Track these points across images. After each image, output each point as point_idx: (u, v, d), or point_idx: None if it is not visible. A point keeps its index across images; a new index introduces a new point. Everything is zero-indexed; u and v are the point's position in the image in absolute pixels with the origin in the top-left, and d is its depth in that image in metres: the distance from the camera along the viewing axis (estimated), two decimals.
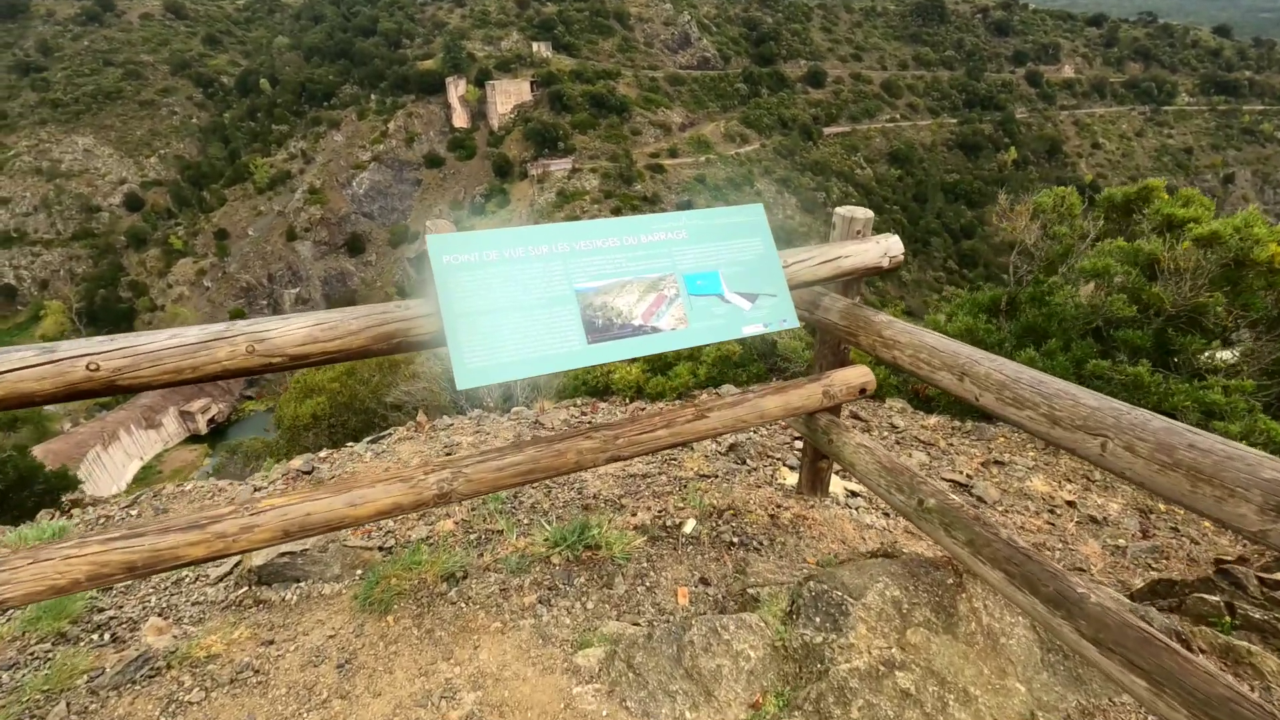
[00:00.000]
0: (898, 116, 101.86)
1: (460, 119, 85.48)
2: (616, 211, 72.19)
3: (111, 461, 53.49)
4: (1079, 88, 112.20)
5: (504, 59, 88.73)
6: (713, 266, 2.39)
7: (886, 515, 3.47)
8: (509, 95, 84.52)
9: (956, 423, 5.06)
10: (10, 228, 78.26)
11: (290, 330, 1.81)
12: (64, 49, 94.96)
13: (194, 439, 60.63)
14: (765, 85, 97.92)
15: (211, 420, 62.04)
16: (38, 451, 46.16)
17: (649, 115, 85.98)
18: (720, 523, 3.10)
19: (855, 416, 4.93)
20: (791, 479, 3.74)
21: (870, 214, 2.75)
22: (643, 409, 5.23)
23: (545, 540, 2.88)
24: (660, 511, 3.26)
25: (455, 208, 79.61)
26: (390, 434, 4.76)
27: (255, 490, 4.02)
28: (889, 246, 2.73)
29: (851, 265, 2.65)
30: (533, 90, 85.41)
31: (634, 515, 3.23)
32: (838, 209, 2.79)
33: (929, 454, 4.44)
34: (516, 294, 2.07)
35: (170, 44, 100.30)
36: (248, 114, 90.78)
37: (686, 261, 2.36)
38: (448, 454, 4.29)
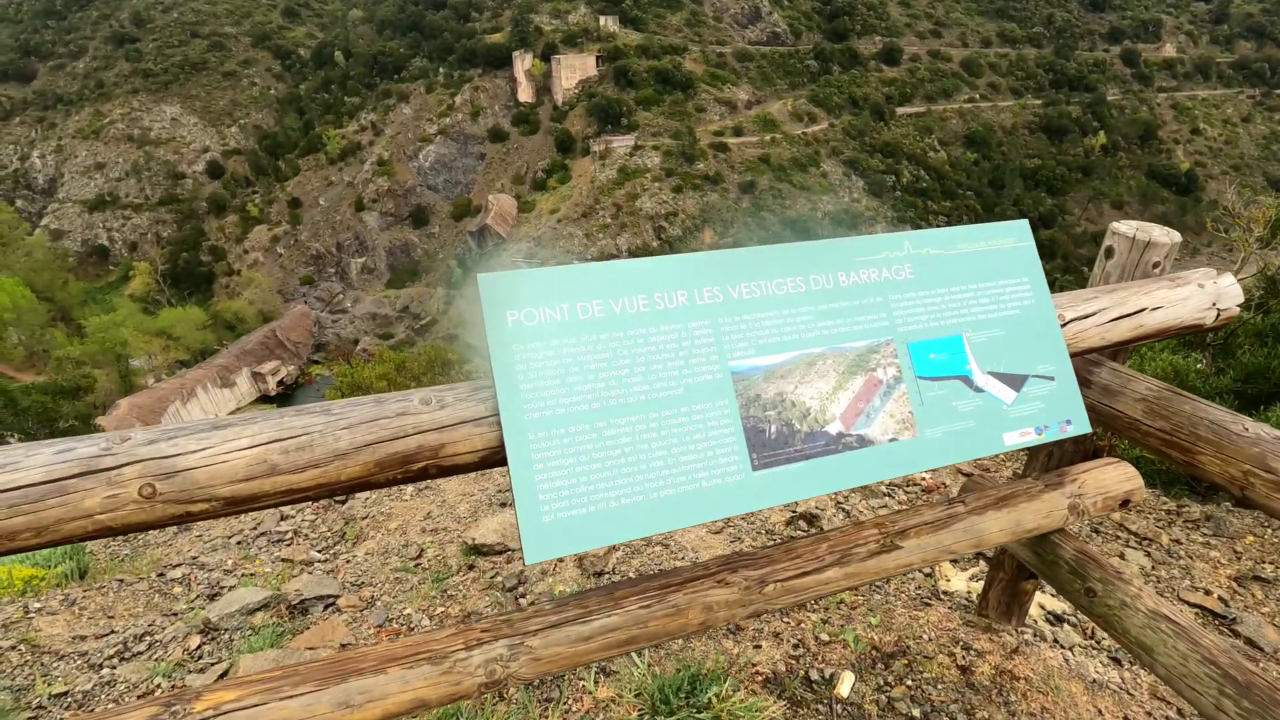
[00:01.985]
0: (977, 97, 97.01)
1: (525, 93, 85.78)
2: (677, 190, 71.46)
3: (189, 417, 56.67)
4: (1180, 68, 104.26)
5: (570, 33, 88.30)
6: (953, 328, 1.61)
7: (1117, 661, 2.48)
8: (574, 70, 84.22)
9: (1170, 502, 3.78)
10: (105, 191, 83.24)
11: (224, 455, 1.14)
12: (155, 20, 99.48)
13: (264, 399, 63.61)
14: (837, 62, 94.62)
15: (281, 382, 64.89)
16: (124, 404, 49.33)
17: (714, 92, 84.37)
18: (889, 677, 2.25)
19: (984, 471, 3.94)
20: (958, 580, 2.86)
21: (1175, 237, 1.86)
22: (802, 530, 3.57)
23: (635, 694, 2.08)
24: (796, 645, 2.42)
25: (517, 183, 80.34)
26: None
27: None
28: (1219, 292, 1.82)
29: (1160, 324, 1.77)
30: (598, 65, 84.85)
31: (757, 648, 2.41)
32: (1118, 225, 1.88)
33: (1148, 554, 3.29)
34: (631, 381, 1.36)
35: (252, 16, 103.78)
36: (322, 86, 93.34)
37: (913, 319, 1.58)
38: (501, 503, 3.71)
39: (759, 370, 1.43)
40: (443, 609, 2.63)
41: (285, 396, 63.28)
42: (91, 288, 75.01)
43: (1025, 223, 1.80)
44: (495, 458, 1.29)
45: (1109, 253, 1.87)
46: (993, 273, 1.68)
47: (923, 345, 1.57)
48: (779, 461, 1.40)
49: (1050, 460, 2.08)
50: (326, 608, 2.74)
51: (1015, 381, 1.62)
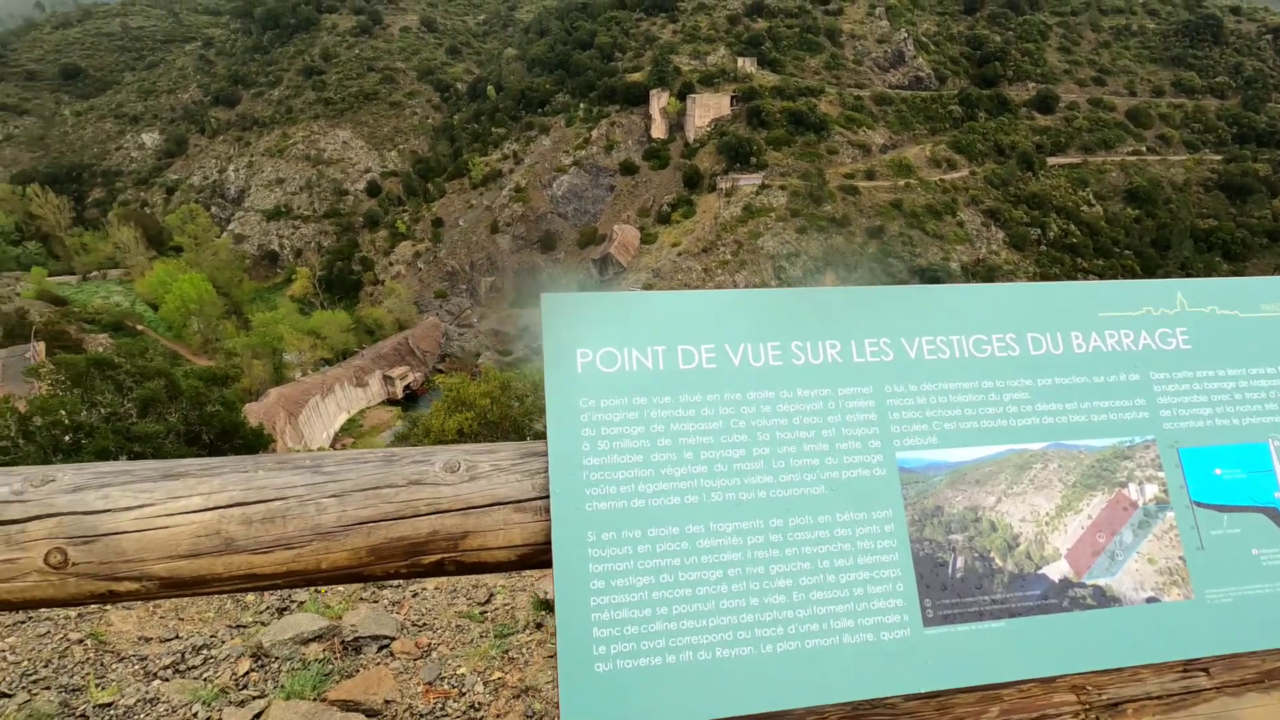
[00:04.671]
0: (1143, 149, 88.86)
1: (658, 130, 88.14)
2: (801, 231, 70.34)
3: (325, 410, 61.60)
4: None
5: (708, 73, 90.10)
6: (1254, 430, 1.09)
7: None
8: (708, 109, 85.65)
9: None
10: (281, 203, 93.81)
11: (165, 517, 0.86)
12: (340, 56, 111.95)
13: (391, 401, 68.09)
14: (983, 108, 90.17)
15: (407, 387, 69.28)
16: (274, 393, 54.26)
17: (848, 134, 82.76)
18: None
19: None
20: None
21: None
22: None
23: None
24: None
25: (642, 215, 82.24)
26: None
27: None
28: None
29: None
30: (732, 104, 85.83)
31: None
32: None
33: None
34: (747, 469, 0.93)
35: (420, 53, 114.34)
36: (473, 117, 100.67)
37: (1188, 411, 1.07)
38: None
39: (942, 469, 0.95)
40: (500, 674, 2.35)
41: (410, 400, 67.47)
42: (260, 287, 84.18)
43: None
44: (539, 558, 0.89)
45: None
46: None
47: (1204, 453, 1.04)
48: (967, 616, 0.92)
49: None
50: (381, 649, 2.56)
51: None
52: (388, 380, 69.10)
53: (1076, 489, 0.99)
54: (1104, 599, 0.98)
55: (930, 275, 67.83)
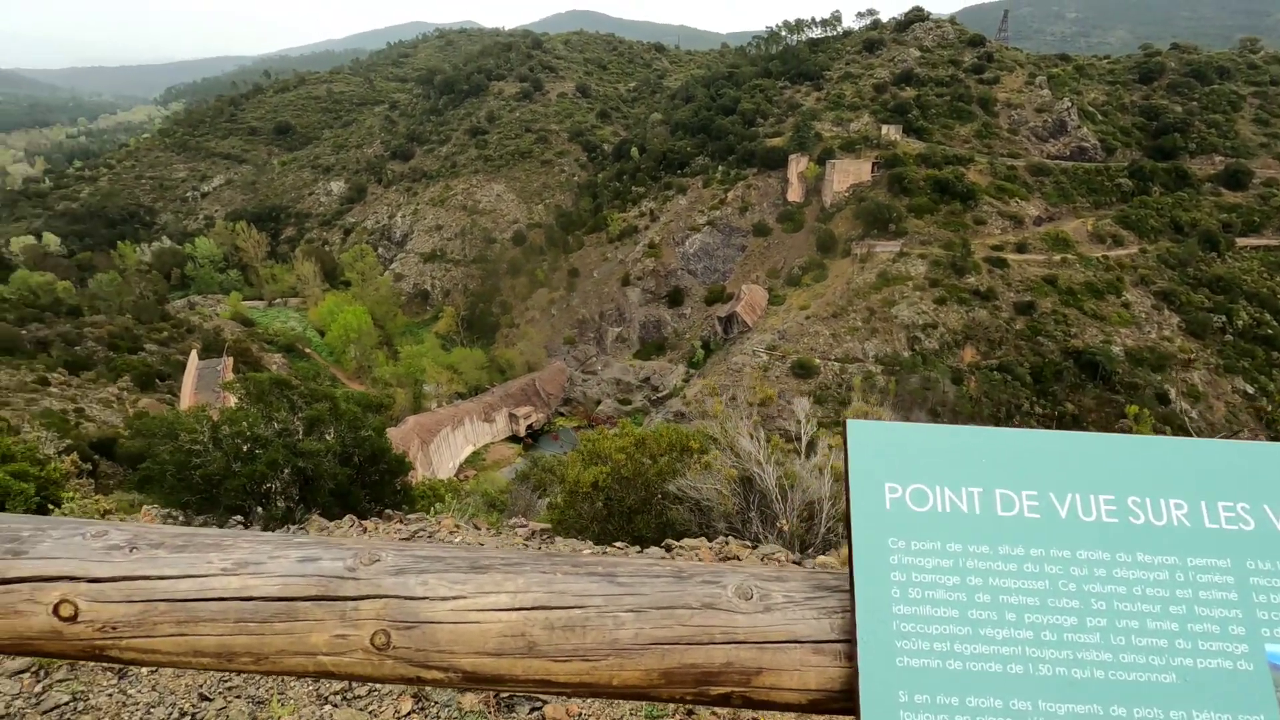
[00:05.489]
0: None
1: (795, 193, 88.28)
2: (940, 302, 66.88)
3: (454, 441, 65.25)
4: None
5: (849, 140, 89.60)
6: None
7: None
8: (847, 174, 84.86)
9: None
10: (437, 247, 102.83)
11: (477, 612, 0.93)
12: (502, 118, 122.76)
13: (514, 439, 71.05)
14: (1158, 182, 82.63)
15: (529, 426, 72.09)
16: (411, 420, 58.14)
17: (998, 205, 78.59)
18: None
19: None
20: None
21: None
22: None
23: None
24: None
25: (772, 276, 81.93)
26: (672, 557, 3.76)
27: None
28: None
29: None
30: (873, 171, 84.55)
31: None
32: None
33: None
34: (1080, 641, 0.79)
35: (573, 116, 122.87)
36: (616, 175, 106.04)
37: None
38: None
39: None
40: None
41: (532, 439, 70.09)
42: (411, 322, 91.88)
43: None
44: (833, 705, 0.82)
45: None
46: None
47: None
48: None
49: None
50: (533, 710, 2.56)
51: None
52: (513, 418, 72.32)
53: None
54: None
55: (1087, 358, 61.88)
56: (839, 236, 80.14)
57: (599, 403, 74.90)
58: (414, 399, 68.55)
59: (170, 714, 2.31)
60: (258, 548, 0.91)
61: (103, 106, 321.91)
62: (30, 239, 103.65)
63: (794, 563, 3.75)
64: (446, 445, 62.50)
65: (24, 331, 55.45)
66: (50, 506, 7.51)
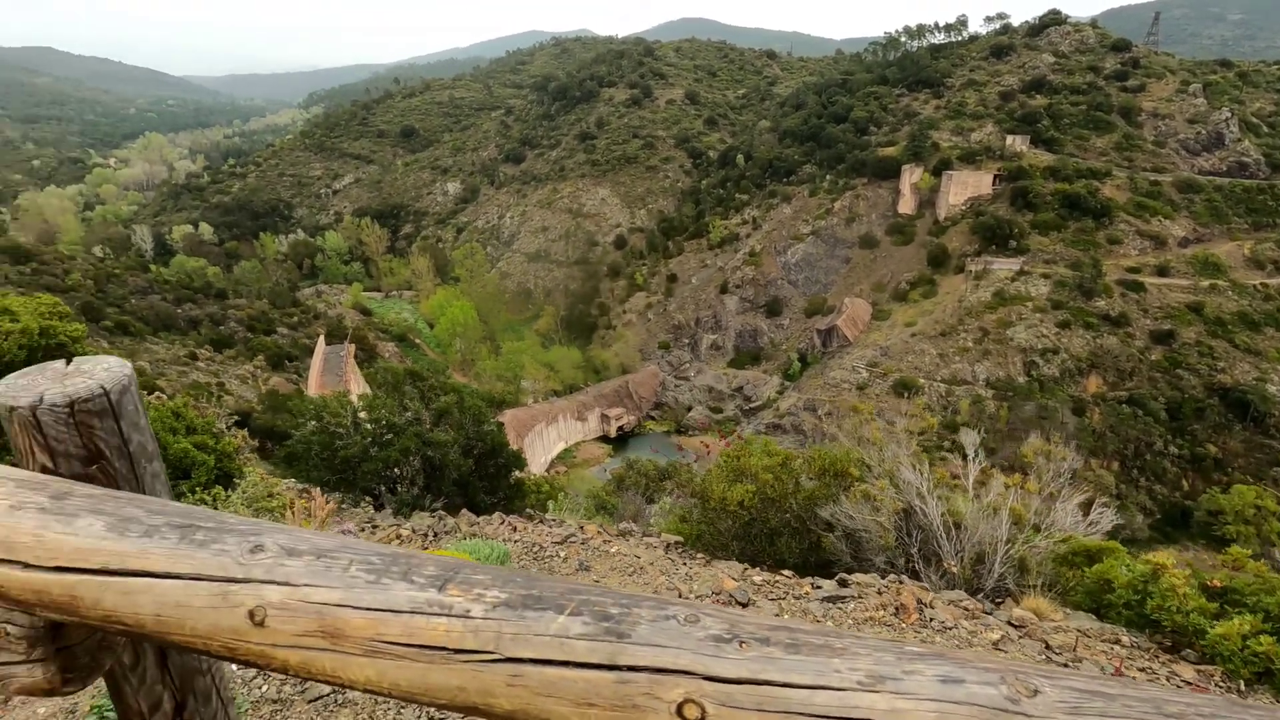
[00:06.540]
0: None
1: (906, 205, 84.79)
2: (1063, 325, 62.29)
3: (547, 437, 67.12)
4: None
5: (970, 150, 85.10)
6: None
7: None
8: (965, 186, 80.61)
9: None
10: (542, 248, 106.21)
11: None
12: (611, 124, 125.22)
13: (604, 439, 72.23)
14: None
15: (620, 428, 73.05)
16: (509, 414, 60.17)
17: (1137, 223, 72.23)
18: None
19: None
20: None
21: None
22: None
23: None
24: None
25: (877, 290, 79.04)
26: (851, 593, 3.79)
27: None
28: None
29: None
30: (995, 183, 79.89)
31: None
32: None
33: None
34: None
35: (680, 123, 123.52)
36: (720, 182, 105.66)
37: None
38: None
39: None
40: None
41: (621, 440, 71.02)
42: (513, 320, 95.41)
43: None
44: None
45: None
46: None
47: None
48: None
49: None
50: None
51: None
52: (604, 418, 73.52)
53: None
54: None
55: (1237, 396, 55.74)
56: (952, 252, 76.24)
57: (690, 409, 74.86)
58: (512, 394, 71.11)
59: None
60: (878, 656, 0.78)
61: (254, 110, 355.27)
62: (189, 228, 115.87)
63: (984, 612, 3.63)
64: (540, 440, 64.36)
65: (179, 310, 62.03)
66: (228, 480, 8.38)
